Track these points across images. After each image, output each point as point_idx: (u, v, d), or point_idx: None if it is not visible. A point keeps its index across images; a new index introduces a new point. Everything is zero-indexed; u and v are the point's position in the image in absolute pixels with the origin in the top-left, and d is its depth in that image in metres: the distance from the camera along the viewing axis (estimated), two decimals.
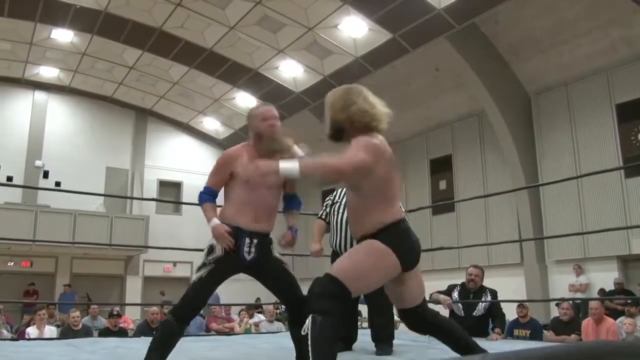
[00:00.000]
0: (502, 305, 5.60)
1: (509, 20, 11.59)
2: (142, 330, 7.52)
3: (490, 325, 5.43)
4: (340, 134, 2.86)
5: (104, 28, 14.17)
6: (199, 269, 3.03)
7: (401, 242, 2.68)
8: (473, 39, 12.03)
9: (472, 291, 5.55)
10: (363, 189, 2.71)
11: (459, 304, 5.49)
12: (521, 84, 12.73)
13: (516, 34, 11.88)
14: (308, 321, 2.50)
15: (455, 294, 5.60)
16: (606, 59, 11.30)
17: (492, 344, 4.44)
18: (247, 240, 3.03)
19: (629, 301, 8.84)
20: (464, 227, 13.84)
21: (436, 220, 14.62)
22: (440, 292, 5.62)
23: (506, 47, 12.27)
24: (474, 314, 5.40)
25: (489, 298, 5.45)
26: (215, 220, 3.02)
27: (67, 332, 7.50)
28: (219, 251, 2.99)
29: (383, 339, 4.15)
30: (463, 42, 11.99)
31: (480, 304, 5.42)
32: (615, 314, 8.99)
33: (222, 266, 3.00)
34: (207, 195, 3.14)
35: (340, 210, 4.42)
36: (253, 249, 3.06)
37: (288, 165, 2.57)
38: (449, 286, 5.78)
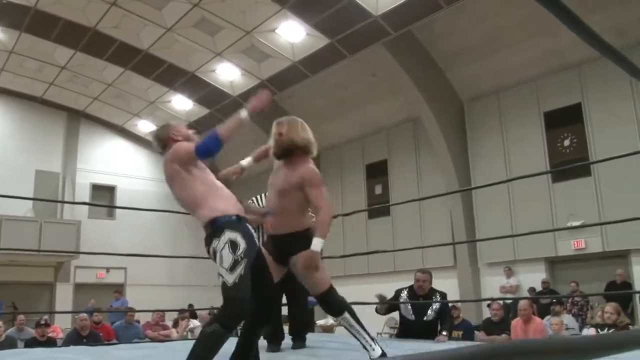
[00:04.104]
0: None
1: (444, 28, 11.87)
2: (72, 339, 7.27)
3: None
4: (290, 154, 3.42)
5: (34, 25, 13.65)
6: (233, 268, 2.78)
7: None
8: (409, 46, 12.26)
9: (421, 295, 5.43)
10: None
11: (409, 307, 5.38)
12: (455, 91, 13.06)
13: (451, 42, 12.18)
14: (345, 316, 3.24)
15: (404, 296, 5.47)
16: (536, 69, 11.74)
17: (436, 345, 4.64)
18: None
19: (554, 300, 9.20)
20: (399, 230, 14.07)
21: (372, 224, 14.80)
22: (381, 297, 5.51)
23: (441, 55, 12.56)
24: (425, 318, 5.32)
25: (438, 300, 5.40)
26: None
27: None
28: (243, 243, 2.85)
29: (300, 334, 4.49)
30: (400, 49, 12.21)
31: (431, 309, 5.33)
32: (544, 312, 9.35)
33: (250, 256, 2.90)
34: None
35: None
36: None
37: (318, 246, 3.24)
38: (397, 291, 5.63)
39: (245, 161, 3.73)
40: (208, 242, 2.92)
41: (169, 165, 3.04)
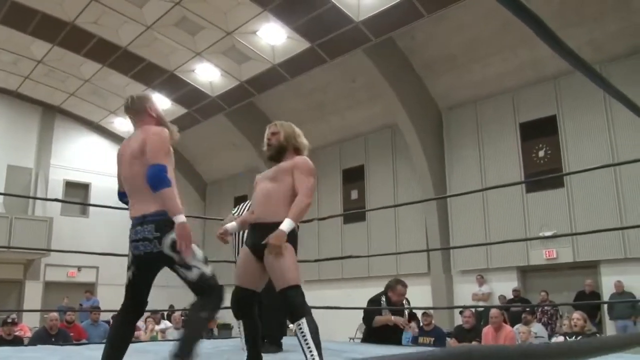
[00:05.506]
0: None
1: (424, 36, 11.96)
2: (40, 337, 7.16)
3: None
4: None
5: (10, 17, 13.41)
6: (206, 261, 2.83)
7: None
8: (390, 53, 12.32)
9: (395, 304, 5.76)
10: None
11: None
12: (433, 99, 13.16)
13: (431, 51, 12.28)
14: (302, 324, 2.88)
15: (385, 304, 5.73)
16: (514, 79, 11.89)
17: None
18: None
19: (527, 309, 9.32)
20: (374, 236, 14.11)
21: (347, 229, 14.83)
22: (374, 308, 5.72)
23: (421, 63, 12.65)
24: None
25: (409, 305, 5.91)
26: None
27: None
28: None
29: (274, 338, 4.48)
30: (380, 56, 12.26)
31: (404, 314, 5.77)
32: (515, 320, 9.46)
33: None
34: None
35: None
36: None
37: (287, 226, 3.06)
38: (375, 299, 5.78)
39: (230, 225, 3.52)
40: (164, 230, 2.79)
41: (156, 141, 3.05)
